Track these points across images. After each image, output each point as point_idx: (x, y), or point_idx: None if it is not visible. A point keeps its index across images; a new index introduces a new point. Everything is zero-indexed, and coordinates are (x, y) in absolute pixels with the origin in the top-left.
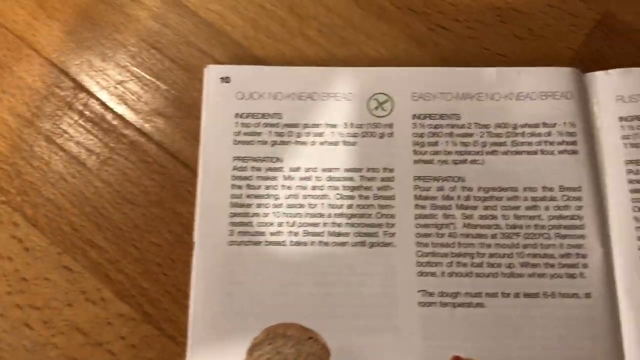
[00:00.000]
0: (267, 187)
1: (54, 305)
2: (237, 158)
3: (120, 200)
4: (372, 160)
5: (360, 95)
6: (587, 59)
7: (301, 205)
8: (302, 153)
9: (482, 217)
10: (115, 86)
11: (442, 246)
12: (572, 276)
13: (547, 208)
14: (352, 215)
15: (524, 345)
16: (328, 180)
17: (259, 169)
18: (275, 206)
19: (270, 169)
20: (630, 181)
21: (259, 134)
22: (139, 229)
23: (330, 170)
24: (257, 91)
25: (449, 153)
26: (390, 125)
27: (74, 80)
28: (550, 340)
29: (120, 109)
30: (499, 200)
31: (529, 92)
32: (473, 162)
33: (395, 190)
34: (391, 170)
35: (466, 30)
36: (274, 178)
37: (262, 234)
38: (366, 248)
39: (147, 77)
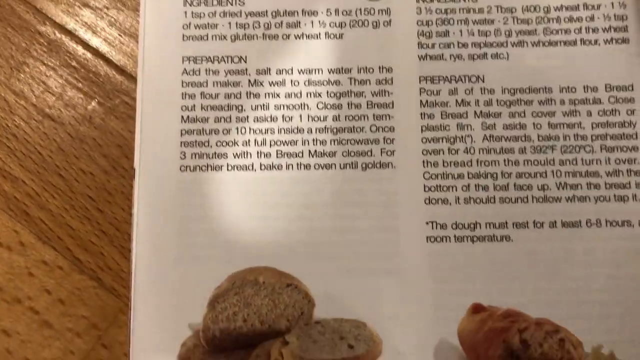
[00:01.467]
0: (228, 96)
1: None
2: (188, 58)
3: (38, 117)
4: (364, 58)
5: None
6: None
7: (273, 118)
8: (273, 50)
9: (507, 126)
10: None
11: (456, 165)
12: (622, 199)
13: (590, 113)
14: (340, 130)
15: (562, 287)
16: (307, 85)
17: (216, 72)
18: (239, 120)
19: (231, 72)
20: None
21: (215, 25)
22: (63, 153)
23: (309, 72)
24: None
25: (464, 45)
26: (387, 11)
27: None
28: (596, 281)
29: None
30: (529, 105)
31: None
32: (495, 56)
33: (395, 96)
34: (389, 70)
35: None
36: (237, 84)
37: (223, 156)
38: (359, 171)
39: None
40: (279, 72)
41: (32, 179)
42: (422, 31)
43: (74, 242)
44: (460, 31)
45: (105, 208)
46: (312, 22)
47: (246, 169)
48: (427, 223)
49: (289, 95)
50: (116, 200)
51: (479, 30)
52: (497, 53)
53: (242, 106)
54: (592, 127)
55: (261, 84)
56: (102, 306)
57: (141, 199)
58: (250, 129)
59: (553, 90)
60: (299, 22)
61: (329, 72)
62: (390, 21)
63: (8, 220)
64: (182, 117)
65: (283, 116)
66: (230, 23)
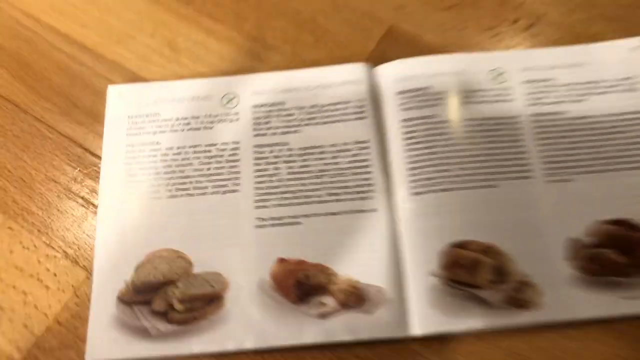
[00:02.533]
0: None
1: None
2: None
3: None
4: (224, 138)
5: (216, 95)
6: (377, 58)
7: (174, 172)
8: (179, 137)
9: (300, 167)
10: None
11: (272, 188)
12: (363, 199)
13: (345, 156)
14: (210, 174)
15: (324, 247)
16: (194, 153)
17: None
18: (157, 173)
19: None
20: (405, 133)
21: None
22: None
23: (195, 146)
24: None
25: (278, 127)
26: (237, 113)
27: None
28: (341, 245)
29: None
30: (312, 155)
31: (333, 82)
32: (294, 132)
33: (241, 155)
34: (237, 143)
35: (289, 47)
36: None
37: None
38: (220, 195)
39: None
40: (179, 147)
41: None
42: (256, 122)
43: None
44: (276, 120)
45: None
46: (196, 121)
47: (159, 199)
48: (255, 218)
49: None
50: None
51: (285, 120)
52: (295, 130)
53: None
54: (346, 163)
55: (167, 155)
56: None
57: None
58: (168, 179)
59: (325, 146)
60: (189, 123)
61: (205, 146)
62: (239, 118)
63: None
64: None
65: (184, 175)
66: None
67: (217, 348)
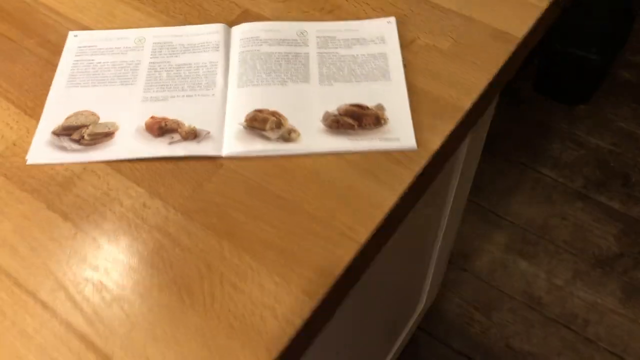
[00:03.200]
0: None
1: None
2: None
3: None
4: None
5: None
6: (234, 23)
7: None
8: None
9: (175, 74)
10: None
11: (158, 80)
12: (208, 89)
13: (203, 70)
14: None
15: (182, 112)
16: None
17: None
18: None
19: None
20: (238, 61)
21: None
22: None
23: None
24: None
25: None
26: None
27: None
28: (190, 111)
29: None
30: (186, 69)
31: (205, 32)
32: (176, 56)
33: (142, 61)
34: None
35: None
36: None
37: None
38: (121, 86)
39: None
40: None
41: None
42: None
43: None
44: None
45: None
46: None
47: None
48: (142, 97)
49: None
50: None
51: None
52: (176, 55)
53: None
54: (202, 72)
55: None
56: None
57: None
58: None
59: (192, 64)
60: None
61: None
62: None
63: None
64: None
65: None
66: None
67: (105, 157)
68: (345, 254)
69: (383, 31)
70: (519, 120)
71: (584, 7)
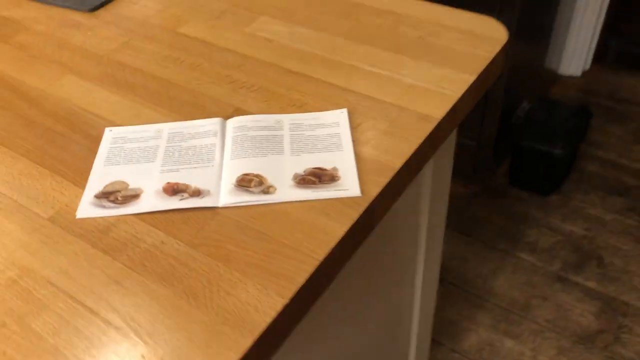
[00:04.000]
0: None
1: None
2: None
3: None
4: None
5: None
6: (228, 116)
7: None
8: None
9: (179, 155)
10: None
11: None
12: (209, 161)
13: (205, 148)
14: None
15: (191, 178)
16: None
17: None
18: None
19: None
20: (232, 143)
21: None
22: None
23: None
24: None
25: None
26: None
27: None
28: (198, 175)
29: None
30: (192, 149)
31: (206, 124)
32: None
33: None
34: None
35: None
36: None
37: None
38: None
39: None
40: None
41: None
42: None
43: None
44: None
45: None
46: None
47: None
48: (161, 168)
49: None
50: None
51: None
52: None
53: None
54: (204, 151)
55: None
56: None
57: None
58: None
59: (197, 146)
60: None
61: None
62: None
63: None
64: None
65: None
66: None
67: (133, 211)
68: (308, 267)
69: (338, 118)
70: (498, 212)
71: (548, 109)
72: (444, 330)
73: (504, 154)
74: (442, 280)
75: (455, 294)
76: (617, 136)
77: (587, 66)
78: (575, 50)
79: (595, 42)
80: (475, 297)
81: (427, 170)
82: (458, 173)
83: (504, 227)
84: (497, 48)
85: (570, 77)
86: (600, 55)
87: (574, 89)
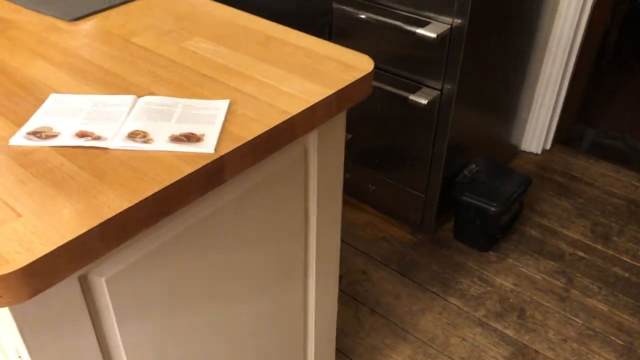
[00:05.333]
0: None
1: None
2: None
3: None
4: None
5: None
6: None
7: None
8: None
9: None
10: None
11: None
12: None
13: None
14: None
15: None
16: None
17: None
18: None
19: None
20: None
21: None
22: None
23: None
24: None
25: None
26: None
27: None
28: None
29: None
30: None
31: None
32: None
33: None
34: None
35: None
36: None
37: None
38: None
39: None
40: None
41: None
42: None
43: None
44: None
45: None
46: None
47: None
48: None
49: None
50: None
51: None
52: None
53: None
54: None
55: None
56: None
57: None
58: None
59: None
60: None
61: None
62: None
63: None
64: None
65: None
66: None
67: (49, 144)
68: (154, 188)
69: (220, 105)
70: (438, 260)
71: (492, 172)
72: (365, 354)
73: (450, 207)
74: (373, 311)
75: (383, 324)
76: (563, 208)
77: (548, 146)
78: (536, 130)
79: (555, 124)
80: (400, 329)
81: (312, 160)
82: (407, 222)
83: (440, 273)
84: (359, 75)
85: (530, 154)
86: (571, 140)
87: (532, 164)
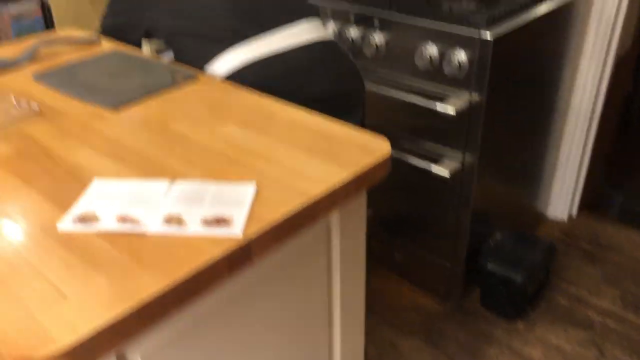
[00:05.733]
0: None
1: None
2: None
3: None
4: None
5: None
6: None
7: None
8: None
9: None
10: None
11: None
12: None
13: None
14: None
15: None
16: None
17: None
18: None
19: None
20: None
21: None
22: None
23: None
24: None
25: None
26: None
27: None
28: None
29: None
30: None
31: None
32: None
33: None
34: None
35: None
36: None
37: None
38: None
39: None
40: None
41: None
42: None
43: None
44: None
45: None
46: None
47: None
48: None
49: None
50: None
51: None
52: None
53: None
54: None
55: None
56: None
57: None
58: None
59: None
60: None
61: None
62: None
63: None
64: None
65: None
66: None
67: (93, 230)
68: (186, 269)
69: (248, 187)
70: (466, 329)
71: (517, 241)
72: None
73: (475, 274)
74: None
75: None
76: (591, 276)
77: (574, 212)
78: (561, 196)
79: (580, 190)
80: None
81: (334, 237)
82: (433, 290)
83: (467, 343)
84: (377, 158)
85: (556, 220)
86: (597, 205)
87: (558, 231)
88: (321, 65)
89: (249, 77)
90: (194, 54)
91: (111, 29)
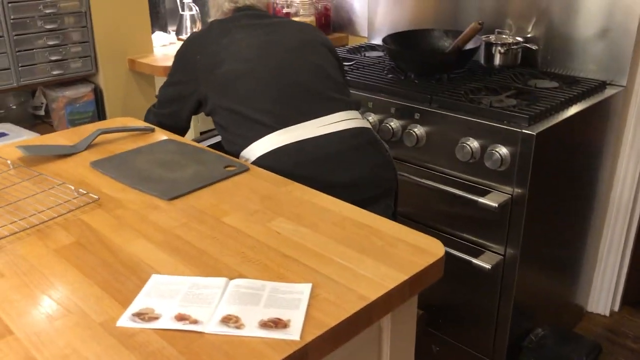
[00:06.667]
0: None
1: None
2: None
3: None
4: None
5: None
6: None
7: None
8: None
9: None
10: None
11: None
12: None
13: None
14: None
15: None
16: None
17: None
18: None
19: None
20: None
21: None
22: None
23: None
24: None
25: None
26: None
27: None
28: None
29: None
30: None
31: None
32: None
33: None
34: None
35: None
36: None
37: None
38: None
39: None
40: None
41: None
42: None
43: None
44: None
45: None
46: None
47: None
48: None
49: None
50: None
51: None
52: None
53: None
54: None
55: None
56: None
57: None
58: None
59: None
60: None
61: None
62: None
63: None
64: None
65: None
66: None
67: (151, 327)
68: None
69: (304, 289)
70: None
71: (560, 338)
72: None
73: None
74: None
75: None
76: None
77: (616, 307)
78: (602, 291)
79: (622, 284)
80: None
81: (385, 339)
82: None
83: None
84: (431, 260)
85: (598, 315)
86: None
87: (600, 327)
88: (352, 152)
89: (282, 158)
90: (234, 131)
91: (164, 104)
